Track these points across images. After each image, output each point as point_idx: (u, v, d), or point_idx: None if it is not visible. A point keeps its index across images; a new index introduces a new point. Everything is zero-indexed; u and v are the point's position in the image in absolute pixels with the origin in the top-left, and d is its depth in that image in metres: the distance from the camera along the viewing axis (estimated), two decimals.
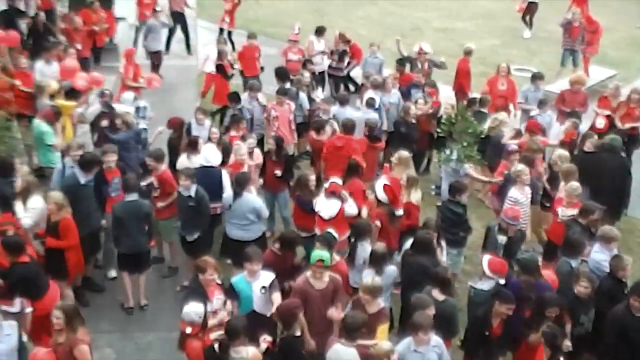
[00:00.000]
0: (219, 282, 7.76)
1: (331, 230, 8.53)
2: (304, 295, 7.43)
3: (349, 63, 15.07)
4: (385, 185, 9.54)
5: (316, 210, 9.25)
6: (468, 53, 14.69)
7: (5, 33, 13.44)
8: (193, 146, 10.20)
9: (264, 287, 7.55)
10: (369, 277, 7.64)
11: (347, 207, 9.30)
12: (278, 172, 10.46)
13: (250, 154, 10.53)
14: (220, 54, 14.14)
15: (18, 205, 8.76)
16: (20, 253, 7.80)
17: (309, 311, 7.36)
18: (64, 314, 6.79)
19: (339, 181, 9.53)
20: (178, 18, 17.43)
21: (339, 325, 7.12)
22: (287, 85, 12.76)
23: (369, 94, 12.58)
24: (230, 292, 7.69)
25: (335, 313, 7.40)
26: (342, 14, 21.75)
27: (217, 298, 7.56)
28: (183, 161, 10.11)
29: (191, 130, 11.10)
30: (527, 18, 20.59)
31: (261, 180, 10.57)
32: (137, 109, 11.37)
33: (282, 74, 13.18)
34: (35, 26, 14.99)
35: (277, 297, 7.51)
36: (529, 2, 20.18)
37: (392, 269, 8.28)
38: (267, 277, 7.63)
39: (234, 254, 9.02)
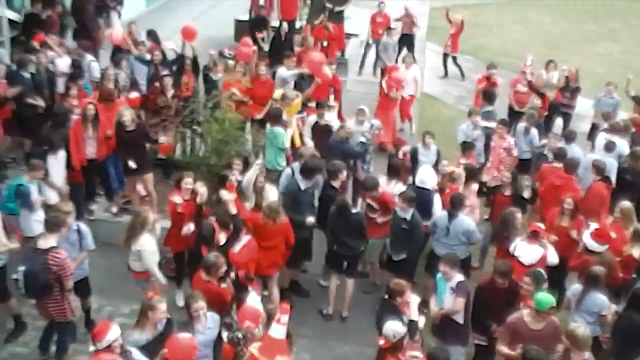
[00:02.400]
0: (409, 299, 7.67)
1: (540, 269, 8.27)
2: (515, 332, 7.24)
3: None
4: (594, 232, 8.98)
5: (515, 254, 8.84)
6: None
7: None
8: (394, 172, 10.21)
9: (452, 287, 7.97)
10: (580, 325, 7.19)
11: (549, 254, 8.85)
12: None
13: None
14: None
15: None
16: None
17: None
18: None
19: (542, 225, 9.09)
20: (405, 40, 17.62)
21: None
22: (490, 108, 12.54)
23: (606, 136, 11.88)
24: (433, 288, 8.30)
25: None
26: (578, 50, 20.86)
27: (405, 316, 7.48)
28: (382, 183, 10.13)
29: (417, 154, 11.17)
30: None
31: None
32: (371, 126, 11.63)
33: (489, 96, 12.93)
34: (277, 35, 15.86)
35: (459, 302, 7.93)
36: None
37: (599, 298, 7.97)
38: (457, 279, 8.00)
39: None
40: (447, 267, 7.96)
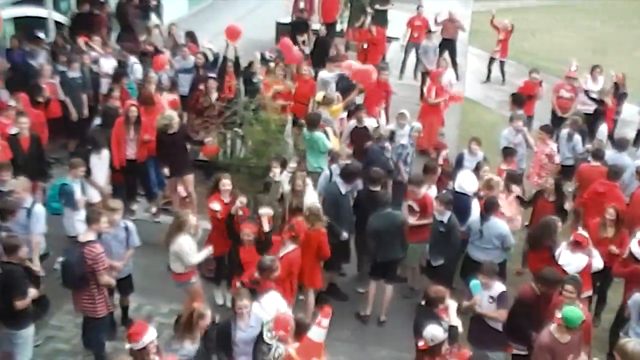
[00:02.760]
0: (447, 305, 7.59)
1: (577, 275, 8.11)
2: (551, 351, 7.10)
3: None
4: None
5: (559, 263, 8.64)
6: None
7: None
8: (429, 173, 10.12)
9: (491, 297, 7.91)
10: (630, 339, 7.01)
11: (594, 261, 8.68)
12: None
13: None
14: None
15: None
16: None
17: None
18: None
19: (585, 233, 8.89)
20: (447, 44, 17.51)
21: None
22: (521, 112, 12.46)
23: None
24: (467, 293, 8.08)
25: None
26: (625, 54, 20.46)
27: (444, 322, 7.40)
28: None
29: (463, 160, 11.08)
30: None
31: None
32: (411, 128, 11.58)
33: (518, 100, 12.77)
34: (318, 38, 15.93)
35: (502, 313, 7.87)
36: None
37: None
38: (498, 288, 7.93)
39: (473, 275, 8.73)
40: (487, 278, 7.92)
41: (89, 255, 7.61)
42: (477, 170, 10.39)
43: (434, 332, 6.89)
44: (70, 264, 7.66)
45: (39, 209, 8.53)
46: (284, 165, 9.81)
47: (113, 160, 10.41)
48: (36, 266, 8.22)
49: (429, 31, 16.80)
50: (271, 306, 7.41)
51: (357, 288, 10.06)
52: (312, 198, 9.37)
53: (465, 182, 9.72)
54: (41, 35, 13.72)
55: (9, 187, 8.76)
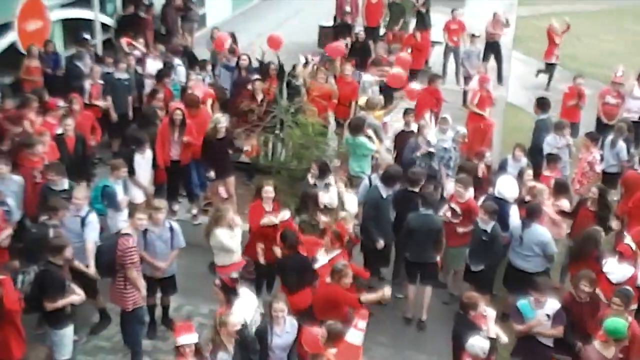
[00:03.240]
0: (485, 312, 7.55)
1: (628, 287, 7.94)
2: None
3: None
4: None
5: (604, 270, 8.52)
6: None
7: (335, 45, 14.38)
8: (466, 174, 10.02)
9: (547, 314, 7.74)
10: None
11: None
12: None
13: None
14: None
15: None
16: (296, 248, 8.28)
17: None
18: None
19: (633, 244, 8.73)
20: (492, 47, 17.34)
21: None
22: (545, 116, 12.27)
23: None
24: (516, 314, 7.87)
25: None
26: None
27: (482, 330, 7.33)
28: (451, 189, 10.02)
29: (506, 166, 10.97)
30: None
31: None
32: (456, 132, 11.54)
33: (542, 104, 12.56)
34: (357, 41, 15.96)
35: (560, 329, 7.74)
36: None
37: None
38: (552, 305, 7.77)
39: (515, 283, 8.85)
40: (539, 294, 7.79)
41: (120, 247, 7.82)
42: (520, 176, 10.27)
43: (480, 344, 6.83)
44: (103, 250, 8.01)
45: (93, 218, 8.59)
46: (325, 171, 9.77)
47: (157, 159, 10.55)
48: (92, 272, 8.36)
49: (473, 35, 16.65)
50: (249, 304, 7.42)
51: (396, 293, 10.02)
52: (352, 205, 9.30)
53: (505, 188, 9.59)
54: (87, 37, 13.97)
55: (61, 187, 8.99)
